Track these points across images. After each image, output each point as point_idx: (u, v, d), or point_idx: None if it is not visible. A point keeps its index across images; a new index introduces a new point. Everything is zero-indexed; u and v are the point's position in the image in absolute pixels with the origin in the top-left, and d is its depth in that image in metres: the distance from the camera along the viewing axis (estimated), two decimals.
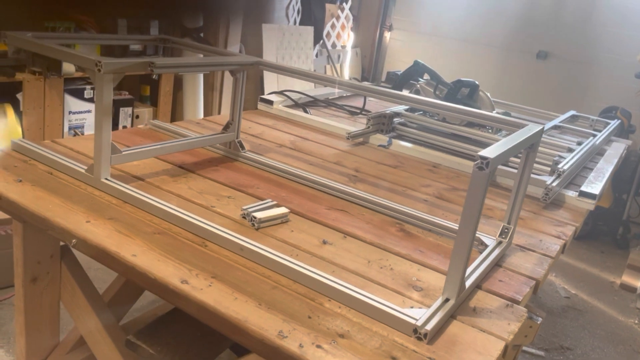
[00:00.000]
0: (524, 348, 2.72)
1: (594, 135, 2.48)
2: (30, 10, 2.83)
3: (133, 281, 1.08)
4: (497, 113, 2.27)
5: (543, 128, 1.27)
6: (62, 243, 1.44)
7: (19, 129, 2.86)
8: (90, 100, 3.24)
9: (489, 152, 0.96)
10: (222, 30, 3.82)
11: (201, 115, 3.83)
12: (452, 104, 1.44)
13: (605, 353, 2.82)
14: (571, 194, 1.83)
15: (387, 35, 6.33)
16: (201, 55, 1.82)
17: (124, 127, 3.47)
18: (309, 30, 4.78)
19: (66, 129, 3.18)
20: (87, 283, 1.47)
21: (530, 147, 1.26)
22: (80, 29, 3.14)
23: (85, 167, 1.38)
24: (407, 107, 2.31)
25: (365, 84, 3.17)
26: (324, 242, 1.27)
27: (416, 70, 2.32)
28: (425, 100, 1.49)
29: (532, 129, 1.23)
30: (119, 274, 1.21)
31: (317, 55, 5.21)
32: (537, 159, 2.09)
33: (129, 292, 1.70)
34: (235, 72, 1.63)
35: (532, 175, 1.84)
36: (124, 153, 1.39)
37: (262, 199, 1.43)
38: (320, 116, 2.48)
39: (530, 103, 4.64)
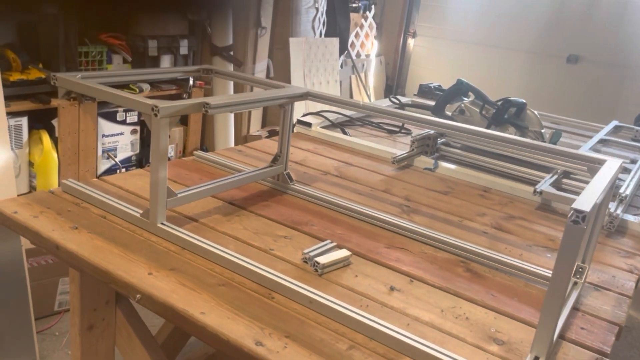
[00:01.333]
0: None
1: None
2: (64, 34, 2.82)
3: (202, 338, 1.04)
4: (547, 131, 2.20)
5: (621, 164, 1.20)
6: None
7: (55, 156, 2.85)
8: (123, 122, 3.24)
9: (584, 204, 0.89)
10: (250, 47, 3.80)
11: (232, 135, 3.80)
12: (502, 134, 1.38)
13: None
14: (633, 219, 1.75)
15: (411, 42, 6.26)
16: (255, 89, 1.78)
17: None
18: (334, 41, 4.74)
19: (100, 152, 3.17)
20: (142, 327, 1.43)
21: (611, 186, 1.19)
22: (112, 52, 3.13)
23: (140, 211, 1.35)
24: None
25: (405, 100, 3.11)
26: (392, 289, 1.21)
27: (459, 89, 2.25)
28: (471, 129, 1.43)
29: (611, 167, 1.16)
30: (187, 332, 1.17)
31: (342, 66, 5.17)
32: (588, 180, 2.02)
33: (181, 333, 1.66)
34: (284, 104, 1.59)
35: None
36: (179, 196, 1.35)
37: (319, 238, 1.38)
38: (358, 136, 2.43)
39: (561, 109, 4.53)
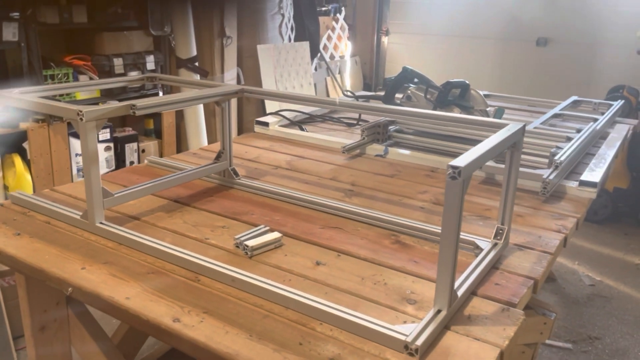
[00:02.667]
0: (550, 342, 2.67)
1: (595, 120, 2.44)
2: (27, 60, 2.91)
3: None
4: (491, 109, 2.26)
5: (524, 126, 1.26)
6: None
7: (29, 177, 2.92)
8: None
9: (461, 161, 0.95)
10: (216, 57, 3.88)
11: (205, 142, 3.87)
12: (430, 111, 1.44)
13: (635, 339, 2.76)
14: (572, 184, 1.80)
15: (385, 40, 6.35)
16: (196, 90, 1.85)
17: (132, 162, 3.53)
18: (304, 45, 4.82)
19: (75, 171, 3.24)
20: (95, 327, 1.49)
21: (513, 145, 1.25)
22: (79, 73, 3.22)
23: (81, 214, 1.41)
24: None
25: (360, 94, 3.18)
26: (318, 263, 1.27)
27: (405, 76, 2.32)
28: (407, 111, 1.49)
29: (511, 128, 1.22)
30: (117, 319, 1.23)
31: (315, 69, 5.24)
32: (536, 152, 2.07)
33: (137, 332, 1.72)
34: (220, 102, 1.65)
35: (530, 170, 1.83)
36: (116, 195, 1.42)
37: (256, 226, 1.44)
38: (316, 132, 2.49)
39: (535, 92, 4.60)
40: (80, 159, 3.26)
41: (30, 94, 1.53)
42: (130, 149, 3.50)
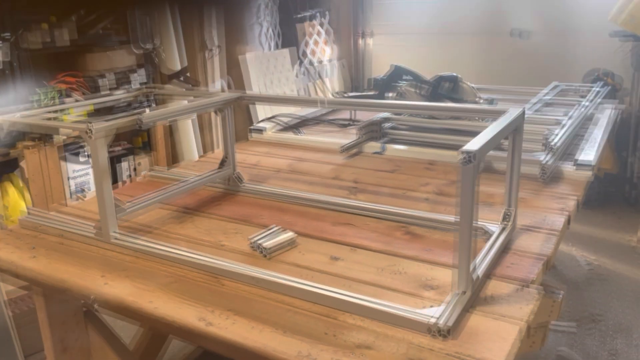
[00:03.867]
0: (554, 324, 2.72)
1: (579, 103, 2.51)
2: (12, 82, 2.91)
3: (159, 331, 1.12)
4: (482, 100, 2.31)
5: (524, 110, 1.31)
6: (85, 309, 1.47)
7: (22, 203, 2.91)
8: (87, 161, 3.31)
9: (473, 145, 0.99)
10: (202, 69, 3.90)
11: (197, 155, 3.88)
12: (428, 103, 1.48)
13: (636, 316, 2.82)
14: (569, 166, 1.86)
15: (370, 42, 6.42)
16: (186, 101, 1.87)
17: (129, 176, 3.53)
18: (284, 52, 4.87)
19: (69, 193, 3.23)
20: (115, 341, 1.50)
21: (515, 130, 1.29)
22: (71, 90, 3.21)
23: (94, 229, 1.42)
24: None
25: (351, 94, 3.23)
26: (334, 259, 1.30)
27: (397, 73, 2.36)
28: (404, 104, 1.53)
29: (512, 113, 1.26)
30: (144, 327, 1.24)
31: (297, 75, 5.28)
32: (530, 137, 2.12)
33: (157, 343, 1.73)
34: (222, 109, 1.68)
35: (527, 155, 1.88)
36: (127, 208, 1.43)
37: (267, 227, 1.46)
38: (312, 134, 2.52)
39: (515, 82, 4.67)
40: (73, 181, 3.25)
41: (33, 117, 1.54)
42: (127, 164, 3.50)
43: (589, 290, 3.11)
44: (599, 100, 2.87)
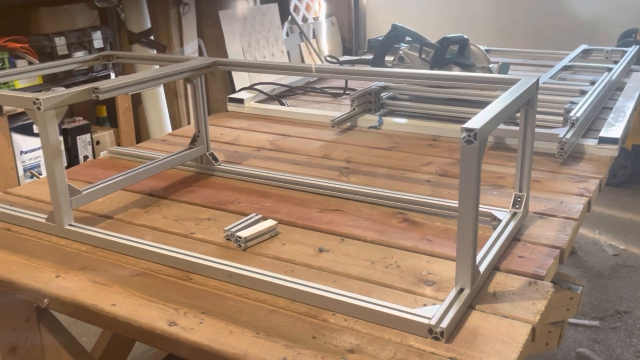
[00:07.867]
0: (576, 321, 2.77)
1: (609, 70, 2.51)
2: None
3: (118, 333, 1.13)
4: (494, 65, 2.31)
5: (538, 80, 1.31)
6: (35, 304, 1.48)
7: None
8: None
9: (475, 122, 0.99)
10: (173, 29, 3.86)
11: (169, 129, 3.87)
12: (431, 72, 1.48)
13: None
14: (591, 142, 1.87)
15: None
16: (156, 66, 1.86)
17: (86, 157, 3.52)
18: (273, 7, 4.81)
19: (21, 172, 3.22)
20: (72, 342, 1.52)
21: (527, 103, 1.30)
22: (16, 58, 3.18)
23: (45, 216, 1.43)
24: None
25: (346, 58, 3.21)
26: (320, 250, 1.31)
27: (396, 35, 2.35)
28: (406, 73, 1.53)
29: (524, 84, 1.26)
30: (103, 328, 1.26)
31: (287, 34, 5.24)
32: (548, 109, 2.13)
33: (120, 344, 1.75)
34: (191, 78, 1.67)
35: (544, 130, 1.89)
36: (84, 193, 1.43)
37: (245, 215, 1.47)
38: (299, 106, 2.52)
39: (537, 45, 4.66)
40: (26, 157, 3.24)
41: None
42: (83, 141, 3.48)
43: (615, 280, 3.16)
44: (632, 65, 2.87)
